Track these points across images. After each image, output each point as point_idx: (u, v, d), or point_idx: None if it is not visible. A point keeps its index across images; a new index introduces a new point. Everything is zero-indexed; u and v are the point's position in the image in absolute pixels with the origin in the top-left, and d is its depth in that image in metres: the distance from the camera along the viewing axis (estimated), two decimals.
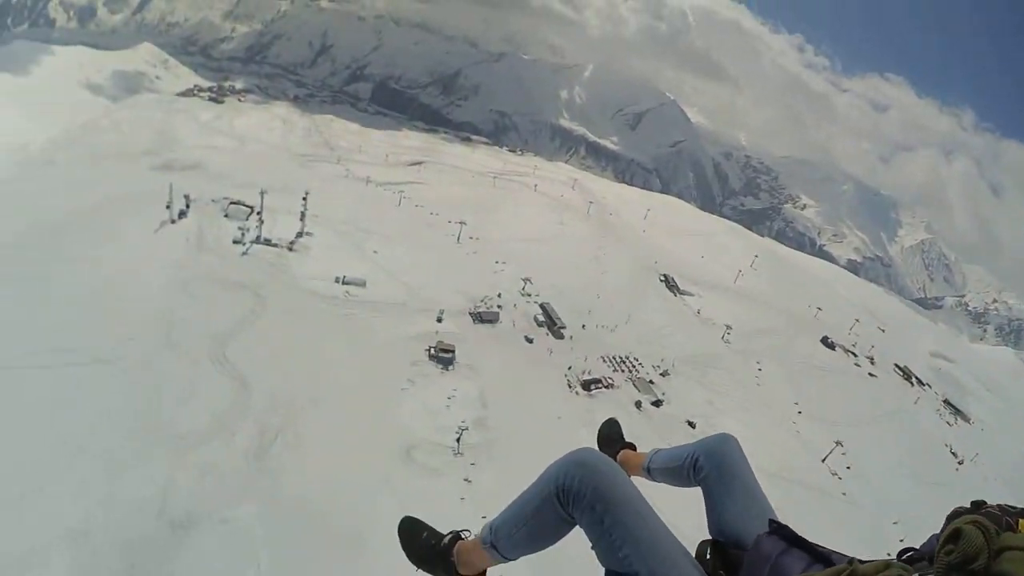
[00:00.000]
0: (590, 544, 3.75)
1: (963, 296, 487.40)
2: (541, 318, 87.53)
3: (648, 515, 3.67)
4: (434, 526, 5.05)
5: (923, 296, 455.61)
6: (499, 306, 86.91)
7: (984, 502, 2.75)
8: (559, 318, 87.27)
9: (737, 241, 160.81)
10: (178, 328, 64.23)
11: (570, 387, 75.22)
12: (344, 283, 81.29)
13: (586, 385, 75.63)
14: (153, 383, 56.22)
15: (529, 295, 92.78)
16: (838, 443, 77.96)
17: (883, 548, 34.84)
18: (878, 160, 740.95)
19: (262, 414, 55.97)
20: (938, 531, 2.54)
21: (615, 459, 5.37)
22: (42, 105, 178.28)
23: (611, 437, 6.26)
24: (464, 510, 49.40)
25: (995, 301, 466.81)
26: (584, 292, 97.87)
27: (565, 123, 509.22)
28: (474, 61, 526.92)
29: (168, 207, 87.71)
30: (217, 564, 41.77)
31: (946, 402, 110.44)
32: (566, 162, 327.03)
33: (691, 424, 74.51)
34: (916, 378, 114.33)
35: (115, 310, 64.40)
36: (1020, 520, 2.58)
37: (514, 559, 4.34)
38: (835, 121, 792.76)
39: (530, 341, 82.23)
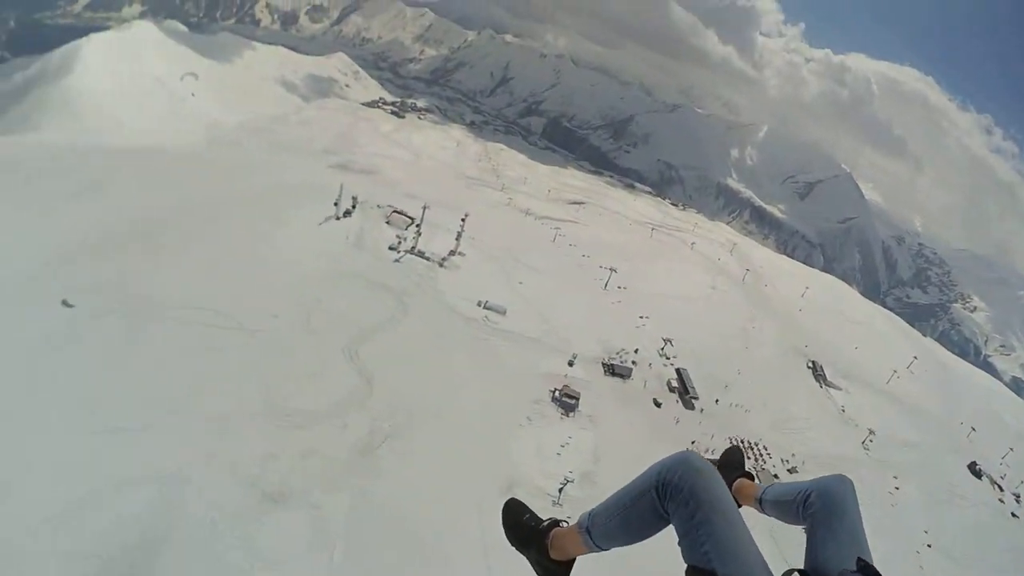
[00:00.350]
0: (678, 539, 3.96)
1: None
2: (675, 383, 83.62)
3: (736, 522, 3.90)
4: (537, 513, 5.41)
5: None
6: (634, 362, 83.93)
7: None
8: (693, 387, 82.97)
9: (897, 337, 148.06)
10: (320, 316, 67.43)
11: None
12: (486, 307, 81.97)
13: None
14: (284, 360, 59.14)
15: (667, 357, 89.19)
16: None
17: None
18: None
19: (378, 414, 57.02)
20: None
21: (731, 486, 5.65)
22: (238, 93, 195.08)
23: (731, 463, 6.32)
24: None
25: None
26: (725, 364, 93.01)
27: (732, 183, 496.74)
28: (648, 109, 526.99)
29: (336, 204, 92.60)
30: (294, 543, 42.57)
31: None
32: (728, 223, 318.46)
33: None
34: None
35: (267, 287, 69.01)
36: None
37: (604, 549, 4.62)
38: (1019, 216, 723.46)
39: (658, 405, 78.61)
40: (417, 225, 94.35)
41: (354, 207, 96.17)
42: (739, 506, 5.17)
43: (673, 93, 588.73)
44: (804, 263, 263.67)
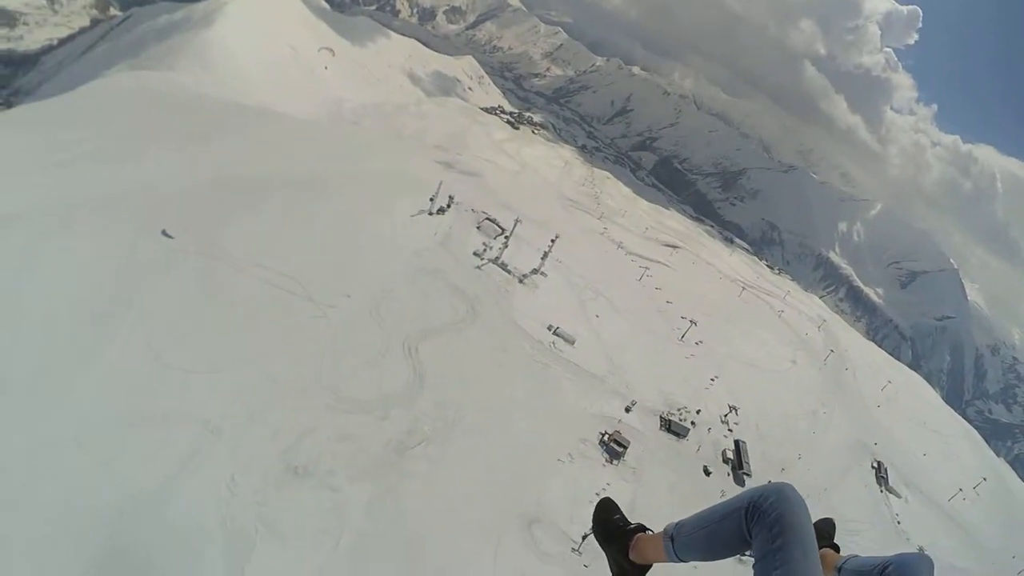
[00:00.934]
0: (754, 560, 4.21)
1: None
2: (730, 455, 79.73)
3: (813, 559, 4.06)
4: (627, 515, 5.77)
5: None
6: (693, 423, 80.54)
7: None
8: (748, 463, 78.94)
9: (971, 453, 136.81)
10: (389, 306, 68.09)
11: None
12: (555, 333, 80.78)
13: None
14: (346, 341, 60.04)
15: (729, 425, 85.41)
16: None
17: None
18: None
19: (421, 415, 56.91)
20: None
21: None
22: (366, 76, 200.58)
23: (821, 533, 6.16)
24: None
25: None
26: (787, 445, 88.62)
27: (835, 257, 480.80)
28: (762, 166, 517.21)
29: (432, 200, 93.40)
30: (305, 521, 43.05)
31: None
32: (821, 297, 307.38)
33: None
34: None
35: (348, 266, 70.59)
36: None
37: (683, 560, 4.90)
38: None
39: (707, 473, 74.98)
40: (506, 236, 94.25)
41: (449, 206, 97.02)
42: None
43: (791, 153, 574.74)
44: (891, 355, 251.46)
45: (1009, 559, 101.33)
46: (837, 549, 6.39)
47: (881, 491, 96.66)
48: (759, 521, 4.24)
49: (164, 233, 61.75)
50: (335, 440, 49.71)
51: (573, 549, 53.23)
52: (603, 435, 68.12)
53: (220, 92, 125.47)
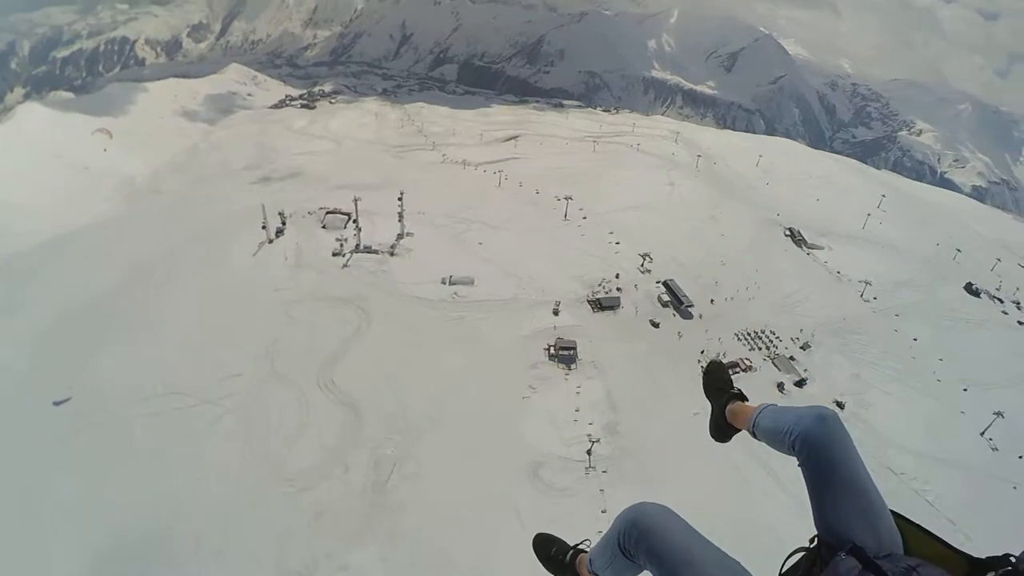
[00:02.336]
0: None
1: None
2: (666, 298, 79.20)
3: (697, 562, 3.81)
4: (564, 539, 5.67)
5: None
6: (619, 288, 79.12)
7: None
8: (685, 296, 78.74)
9: (857, 180, 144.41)
10: (283, 356, 61.62)
11: None
12: (451, 284, 76.42)
13: None
14: (261, 421, 54.07)
15: (650, 272, 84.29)
16: (998, 414, 66.02)
17: None
18: (994, 75, 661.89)
19: (376, 443, 52.60)
20: None
21: (724, 412, 5.61)
22: (143, 140, 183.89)
23: (717, 386, 5.92)
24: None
25: None
26: (707, 261, 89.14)
27: (657, 74, 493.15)
28: (556, 25, 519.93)
29: (264, 227, 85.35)
30: None
31: None
32: (663, 114, 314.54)
33: (840, 404, 65.81)
34: None
35: (219, 345, 62.73)
36: None
37: None
38: (943, 36, 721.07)
39: (656, 326, 74.26)
40: (354, 220, 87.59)
41: (284, 223, 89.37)
42: (736, 431, 5.55)
43: (577, 2, 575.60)
44: (747, 132, 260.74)
45: (938, 250, 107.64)
46: (743, 398, 5.67)
47: (806, 253, 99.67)
48: (636, 559, 4.15)
49: (55, 403, 54.18)
50: (314, 521, 45.17)
51: (586, 468, 51.62)
52: (548, 348, 65.76)
53: (6, 245, 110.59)
